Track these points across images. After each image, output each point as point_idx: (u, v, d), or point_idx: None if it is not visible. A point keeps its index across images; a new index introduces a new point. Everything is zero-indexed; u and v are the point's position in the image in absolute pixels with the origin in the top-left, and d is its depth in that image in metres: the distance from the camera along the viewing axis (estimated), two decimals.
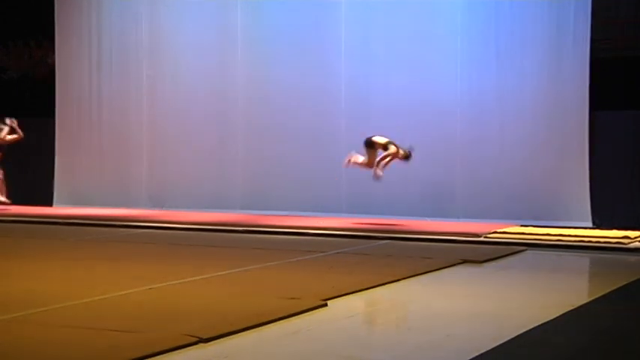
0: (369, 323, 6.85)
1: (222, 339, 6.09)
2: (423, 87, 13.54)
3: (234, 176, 14.75)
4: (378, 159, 12.66)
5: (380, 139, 12.69)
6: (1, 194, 15.18)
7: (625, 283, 8.65)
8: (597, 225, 12.43)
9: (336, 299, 7.51)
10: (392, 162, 12.68)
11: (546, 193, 12.73)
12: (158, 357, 5.64)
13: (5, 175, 15.26)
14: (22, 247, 11.20)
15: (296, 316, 6.83)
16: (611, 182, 12.66)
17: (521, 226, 12.30)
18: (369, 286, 8.18)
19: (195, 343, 5.94)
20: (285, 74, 14.40)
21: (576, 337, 6.48)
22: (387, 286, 8.32)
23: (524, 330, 6.46)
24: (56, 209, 15.53)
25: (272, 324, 6.56)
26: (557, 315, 6.99)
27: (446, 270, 9.38)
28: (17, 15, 17.18)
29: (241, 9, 14.67)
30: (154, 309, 7.12)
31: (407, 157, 12.71)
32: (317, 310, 7.08)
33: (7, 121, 15.31)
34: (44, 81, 16.42)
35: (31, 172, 16.51)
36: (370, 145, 12.75)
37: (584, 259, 10.69)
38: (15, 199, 16.55)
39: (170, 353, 5.72)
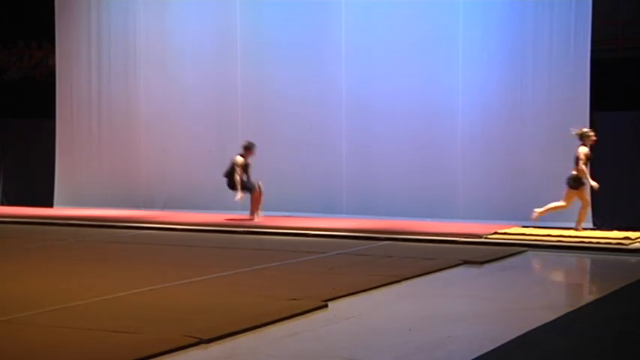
0: (370, 324, 6.84)
1: (222, 340, 6.10)
2: (424, 88, 13.52)
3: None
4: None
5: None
6: (256, 210, 13.60)
7: (625, 284, 8.64)
8: (598, 226, 12.41)
9: (336, 300, 7.51)
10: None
11: (547, 194, 12.71)
12: (159, 358, 5.64)
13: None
14: (23, 248, 11.20)
15: (297, 317, 6.84)
16: (612, 183, 12.64)
17: (522, 227, 12.30)
18: (369, 287, 8.18)
19: (196, 344, 5.94)
20: (285, 76, 14.38)
21: (577, 338, 6.47)
22: (387, 286, 8.32)
23: (524, 331, 6.46)
24: (56, 210, 15.53)
25: (273, 325, 6.57)
26: (558, 316, 6.99)
27: (446, 271, 9.37)
28: (18, 17, 17.21)
29: (240, 13, 14.67)
30: (155, 310, 7.12)
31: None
32: (317, 311, 7.09)
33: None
34: (45, 82, 16.44)
35: (31, 172, 16.53)
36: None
37: (584, 260, 10.69)
38: (15, 199, 16.58)
39: (171, 354, 5.73)
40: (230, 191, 13.63)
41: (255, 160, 14.46)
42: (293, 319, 6.79)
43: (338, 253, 10.53)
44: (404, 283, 8.54)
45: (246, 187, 13.37)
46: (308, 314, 6.96)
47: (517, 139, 13.02)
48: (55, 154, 16.07)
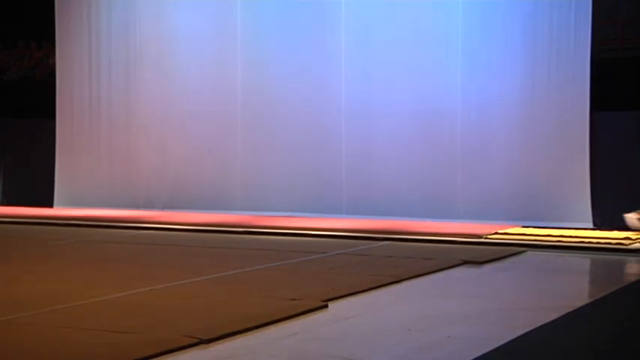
0: (370, 324, 6.84)
1: (222, 340, 6.10)
2: (423, 89, 13.51)
3: (234, 177, 14.74)
4: None
5: None
6: None
7: (626, 284, 8.64)
8: (598, 226, 12.41)
9: (336, 300, 7.51)
10: None
11: (547, 194, 12.70)
12: (159, 358, 5.64)
13: None
14: (22, 249, 11.20)
15: (296, 317, 6.83)
16: (612, 183, 12.63)
17: (522, 227, 12.29)
18: (369, 287, 8.17)
19: (196, 344, 5.94)
20: (285, 76, 14.38)
21: (577, 338, 6.47)
22: (387, 287, 8.32)
23: (524, 331, 6.46)
24: (56, 210, 15.53)
25: (272, 325, 6.57)
26: (558, 316, 6.99)
27: (446, 271, 9.37)
28: (18, 17, 17.20)
29: (241, 13, 14.67)
30: (155, 310, 7.12)
31: None
32: (317, 312, 7.08)
33: None
34: (45, 82, 16.43)
35: (31, 172, 16.52)
36: None
37: (584, 260, 10.69)
38: (15, 199, 16.58)
39: (171, 354, 5.72)
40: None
41: (255, 160, 14.50)
42: (293, 319, 6.78)
43: (338, 253, 10.53)
44: (404, 283, 8.54)
45: None
46: (308, 314, 6.95)
47: (517, 139, 13.00)
48: (55, 154, 16.06)
